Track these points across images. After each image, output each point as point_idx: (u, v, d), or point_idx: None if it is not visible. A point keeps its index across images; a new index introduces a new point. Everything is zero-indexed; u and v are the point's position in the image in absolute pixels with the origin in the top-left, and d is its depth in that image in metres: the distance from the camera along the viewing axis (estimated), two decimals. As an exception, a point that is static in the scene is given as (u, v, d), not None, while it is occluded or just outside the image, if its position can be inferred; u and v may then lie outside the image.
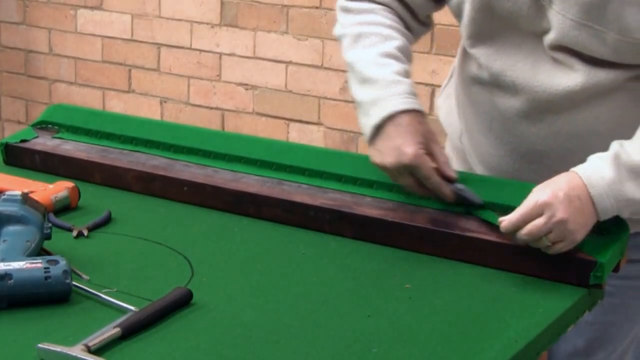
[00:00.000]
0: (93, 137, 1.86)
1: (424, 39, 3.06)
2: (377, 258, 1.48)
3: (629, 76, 1.46)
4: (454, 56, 2.95)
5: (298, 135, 3.48)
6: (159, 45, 3.64)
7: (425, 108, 3.01)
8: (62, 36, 3.85)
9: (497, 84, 1.55)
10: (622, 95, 1.48)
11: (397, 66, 1.52)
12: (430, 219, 1.51)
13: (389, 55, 1.54)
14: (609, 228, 1.44)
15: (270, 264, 1.46)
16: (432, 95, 3.06)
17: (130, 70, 3.72)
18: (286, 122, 3.51)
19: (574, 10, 1.42)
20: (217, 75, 3.59)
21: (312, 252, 1.49)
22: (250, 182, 1.65)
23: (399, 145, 1.46)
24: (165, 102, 3.67)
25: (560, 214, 1.35)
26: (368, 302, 1.34)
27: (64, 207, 1.63)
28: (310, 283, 1.39)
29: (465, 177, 1.53)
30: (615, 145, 1.41)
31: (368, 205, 1.57)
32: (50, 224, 1.42)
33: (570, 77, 1.46)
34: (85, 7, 3.75)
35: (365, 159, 1.64)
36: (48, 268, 1.28)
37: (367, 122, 1.50)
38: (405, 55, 1.57)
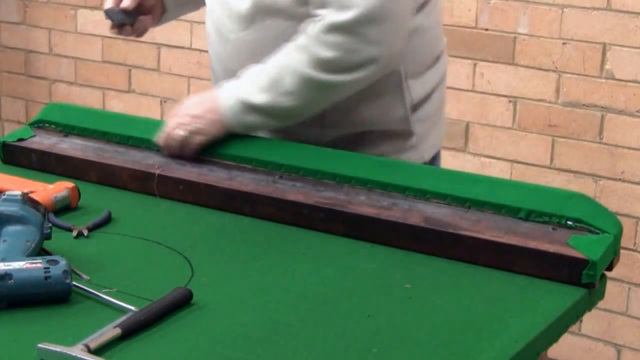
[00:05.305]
0: (90, 136, 1.86)
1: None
2: (377, 258, 1.48)
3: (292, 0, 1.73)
4: (454, 56, 2.96)
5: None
6: (159, 45, 3.64)
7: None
8: (62, 36, 3.85)
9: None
10: (287, 18, 1.74)
11: None
12: (423, 218, 1.51)
13: None
14: (602, 227, 1.44)
15: (270, 263, 1.46)
16: (432, 95, 3.05)
17: (130, 70, 3.71)
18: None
19: None
20: (217, 75, 3.58)
21: (312, 252, 1.49)
22: (245, 180, 1.65)
23: None
24: (165, 102, 3.67)
25: (193, 110, 1.73)
26: (368, 302, 1.34)
27: (64, 207, 1.63)
28: (310, 283, 1.39)
29: None
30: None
31: (362, 204, 1.57)
32: (50, 224, 1.42)
33: (243, 2, 1.78)
34: (85, 7, 3.75)
35: (362, 158, 1.64)
36: (48, 268, 1.27)
37: None
38: None
